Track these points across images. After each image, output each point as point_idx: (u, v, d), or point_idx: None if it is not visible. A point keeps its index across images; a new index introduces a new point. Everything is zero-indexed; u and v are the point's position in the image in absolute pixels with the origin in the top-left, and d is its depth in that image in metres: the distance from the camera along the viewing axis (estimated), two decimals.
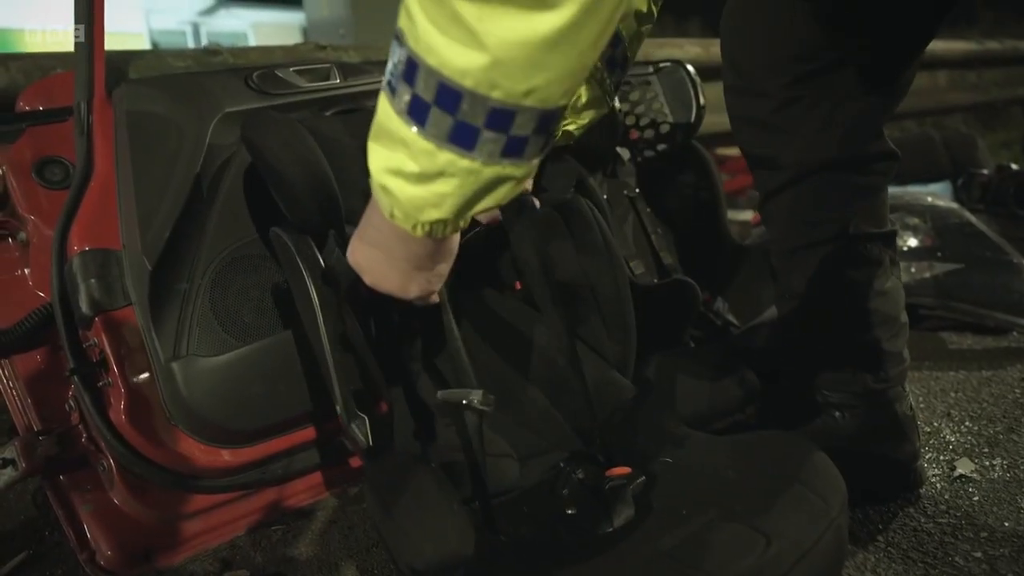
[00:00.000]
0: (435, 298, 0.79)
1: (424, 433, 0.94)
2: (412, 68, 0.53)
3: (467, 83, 0.51)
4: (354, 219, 1.04)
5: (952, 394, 1.50)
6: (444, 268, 0.74)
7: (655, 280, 1.60)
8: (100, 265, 1.07)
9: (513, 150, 0.55)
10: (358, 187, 1.07)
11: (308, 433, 1.18)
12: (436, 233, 0.62)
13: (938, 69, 4.52)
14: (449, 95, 0.52)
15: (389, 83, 0.57)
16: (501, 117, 0.53)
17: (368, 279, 0.76)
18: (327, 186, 0.97)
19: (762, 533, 0.71)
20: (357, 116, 1.22)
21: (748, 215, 2.70)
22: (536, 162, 0.58)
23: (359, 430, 0.94)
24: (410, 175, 0.57)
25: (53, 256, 1.07)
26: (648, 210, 1.70)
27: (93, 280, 1.06)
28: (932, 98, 4.44)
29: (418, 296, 0.75)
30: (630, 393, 1.01)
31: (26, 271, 1.19)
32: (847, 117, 1.02)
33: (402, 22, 0.54)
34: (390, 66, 0.57)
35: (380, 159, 0.60)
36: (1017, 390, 1.49)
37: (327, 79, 1.32)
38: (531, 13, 0.48)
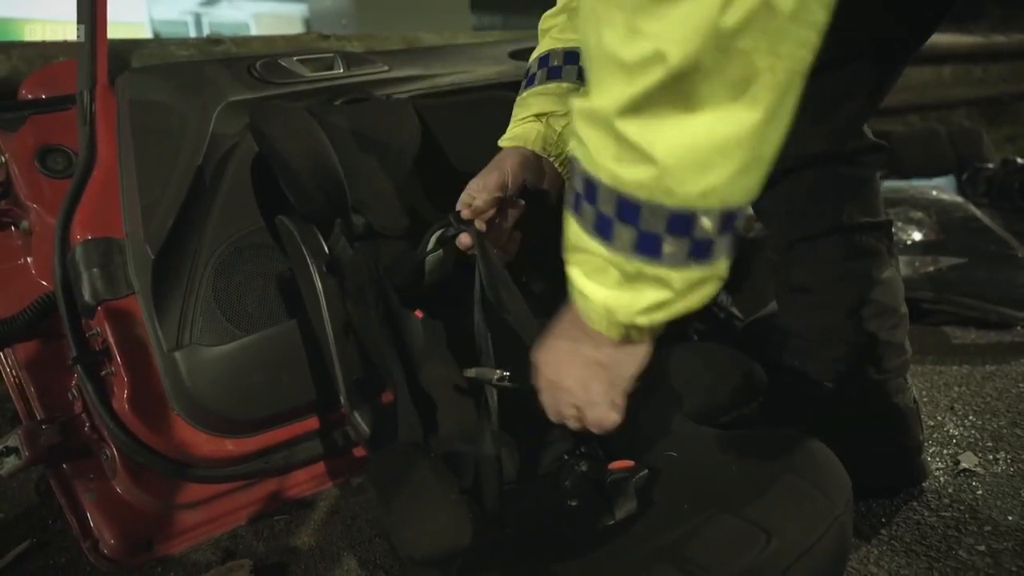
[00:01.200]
0: (614, 417, 0.75)
1: (426, 423, 0.94)
2: (591, 188, 0.57)
3: (642, 195, 0.53)
4: (361, 208, 1.05)
5: (956, 388, 1.50)
6: (630, 374, 0.71)
7: None
8: (103, 254, 1.07)
9: (699, 252, 0.56)
10: (365, 176, 1.07)
11: (310, 423, 1.18)
12: (632, 337, 0.64)
13: (943, 63, 4.50)
14: (628, 208, 0.55)
15: (574, 204, 0.61)
16: (681, 222, 0.54)
17: (548, 373, 0.74)
18: (334, 175, 0.97)
19: (763, 529, 0.71)
20: (366, 105, 1.22)
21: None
22: (728, 262, 0.59)
23: (361, 419, 0.94)
24: (605, 283, 0.60)
25: (56, 245, 1.07)
26: None
27: (96, 269, 1.06)
28: (937, 92, 4.42)
29: (596, 399, 0.72)
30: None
31: (28, 260, 1.19)
32: (837, 114, 1.02)
33: (574, 147, 0.58)
34: (572, 189, 0.61)
35: (577, 269, 0.63)
36: (1021, 384, 1.49)
37: (331, 68, 1.32)
38: (695, 118, 0.50)
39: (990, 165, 2.52)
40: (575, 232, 0.61)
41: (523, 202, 0.95)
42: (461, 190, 0.94)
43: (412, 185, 1.11)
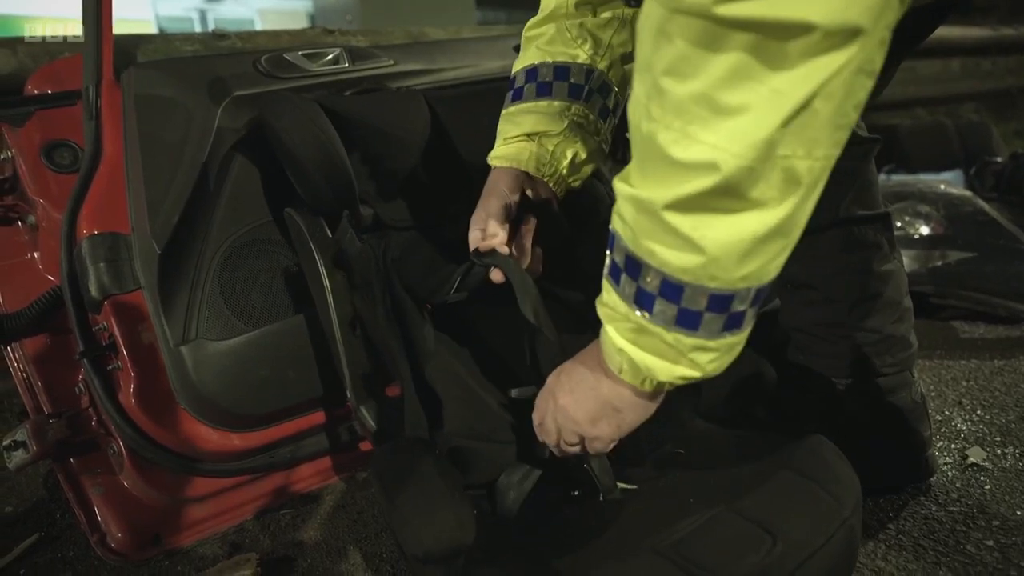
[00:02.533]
0: (607, 450, 0.78)
1: (432, 418, 0.94)
2: (635, 265, 0.60)
3: (687, 278, 0.57)
4: (368, 199, 1.04)
5: (963, 383, 1.49)
6: (640, 421, 0.74)
7: None
8: (109, 249, 1.07)
9: (733, 324, 0.60)
10: (373, 168, 1.07)
11: (316, 418, 1.19)
12: (660, 388, 0.68)
13: (951, 56, 4.46)
14: (672, 288, 0.58)
15: (612, 274, 0.64)
16: (720, 301, 0.58)
17: (562, 398, 0.76)
18: (341, 166, 0.96)
19: (768, 531, 0.70)
20: (375, 97, 1.21)
21: None
22: (751, 328, 0.63)
23: (368, 414, 0.94)
24: (644, 348, 0.63)
25: (62, 240, 1.07)
26: None
27: (102, 264, 1.06)
28: (945, 86, 4.39)
29: (602, 436, 0.75)
30: None
31: (35, 255, 1.19)
32: None
33: (617, 226, 0.61)
34: (609, 261, 0.64)
35: (613, 328, 0.65)
36: None
37: (336, 63, 1.32)
38: (742, 216, 0.53)
39: (998, 159, 2.51)
40: (613, 299, 0.64)
41: (534, 218, 0.94)
42: (469, 182, 0.93)
43: (420, 177, 1.10)
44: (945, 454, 1.23)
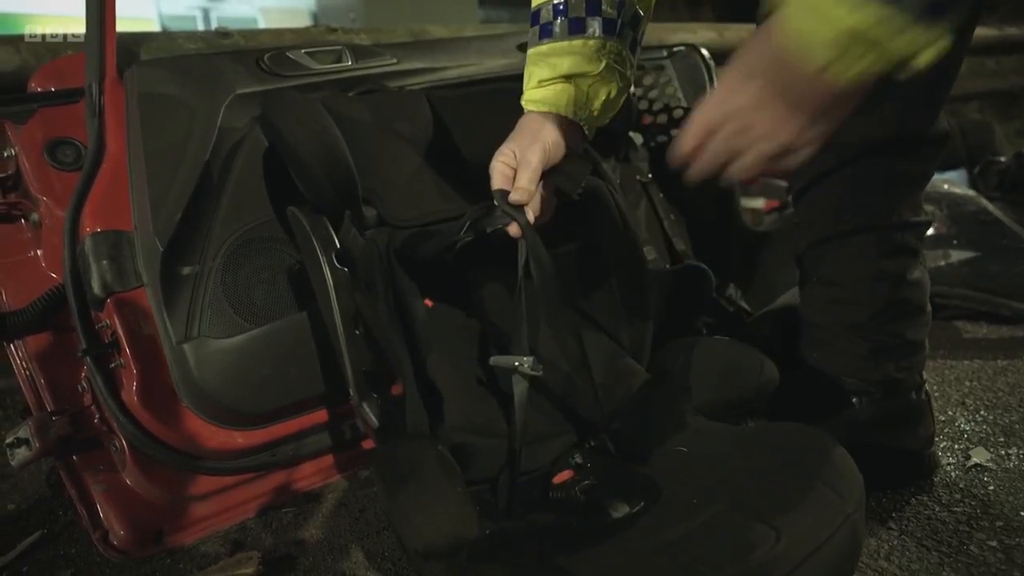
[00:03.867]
0: (806, 152, 0.67)
1: (434, 415, 0.94)
2: None
3: None
4: (371, 198, 1.04)
5: (967, 383, 1.49)
6: (837, 121, 0.65)
7: (667, 266, 1.59)
8: (112, 246, 1.07)
9: (936, 9, 0.54)
10: (376, 166, 1.07)
11: (318, 415, 1.19)
12: (863, 80, 0.59)
13: None
14: None
15: None
16: None
17: (740, 121, 0.65)
18: (344, 165, 0.96)
19: (772, 527, 0.70)
20: (377, 96, 1.22)
21: (760, 203, 2.67)
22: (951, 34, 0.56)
23: (370, 411, 0.94)
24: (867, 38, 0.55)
25: (65, 237, 1.07)
26: (660, 196, 1.68)
27: (105, 261, 1.06)
28: None
29: (795, 142, 0.65)
30: (644, 379, 1.01)
31: (38, 252, 1.19)
32: (904, 95, 0.95)
33: None
34: None
35: (841, 16, 0.56)
36: None
37: (339, 61, 1.32)
38: None
39: (1002, 158, 2.50)
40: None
41: (566, 168, 0.90)
42: (472, 181, 0.92)
43: (423, 175, 1.10)
44: (948, 454, 1.23)
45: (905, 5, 0.54)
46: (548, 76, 0.87)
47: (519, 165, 0.86)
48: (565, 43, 0.86)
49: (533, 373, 0.87)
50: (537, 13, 0.89)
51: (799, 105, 0.63)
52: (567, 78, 0.86)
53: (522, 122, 0.89)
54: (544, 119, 0.87)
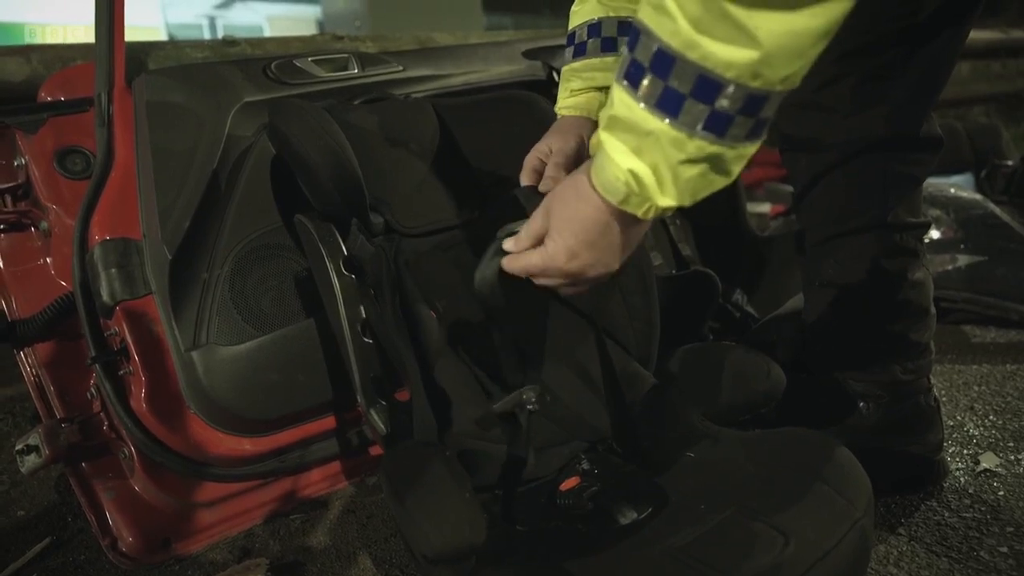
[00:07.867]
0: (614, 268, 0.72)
1: (442, 421, 0.94)
2: (665, 62, 0.55)
3: (730, 75, 0.53)
4: (378, 205, 1.05)
5: (976, 388, 1.48)
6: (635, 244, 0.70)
7: (673, 272, 1.59)
8: (121, 254, 1.08)
9: (756, 131, 0.57)
10: (383, 174, 1.07)
11: (326, 422, 1.19)
12: (662, 215, 0.63)
13: (961, 59, 4.43)
14: (708, 86, 0.54)
15: (627, 77, 0.58)
16: (755, 102, 0.55)
17: (581, 260, 0.69)
18: (351, 173, 0.97)
19: (781, 532, 0.70)
20: (384, 104, 1.22)
21: (766, 207, 2.67)
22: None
23: (378, 417, 0.94)
24: (656, 164, 0.58)
25: (74, 245, 1.08)
26: None
27: (114, 269, 1.07)
28: (955, 88, 4.35)
29: (601, 258, 0.69)
30: (651, 385, 1.01)
31: (48, 260, 1.20)
32: (894, 96, 0.99)
33: (650, 19, 0.55)
34: (627, 61, 0.58)
35: (622, 151, 0.59)
36: None
37: (345, 69, 1.32)
38: (806, 9, 0.50)
39: (1009, 162, 2.49)
40: (626, 105, 0.58)
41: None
42: (477, 187, 0.93)
43: (430, 183, 1.11)
44: (957, 460, 1.22)
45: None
46: (580, 87, 0.97)
47: (551, 156, 0.91)
48: (597, 60, 0.96)
49: (535, 408, 0.89)
50: (573, 35, 0.99)
51: (621, 246, 0.68)
52: (599, 89, 0.95)
53: (556, 123, 0.97)
54: (576, 121, 0.95)
